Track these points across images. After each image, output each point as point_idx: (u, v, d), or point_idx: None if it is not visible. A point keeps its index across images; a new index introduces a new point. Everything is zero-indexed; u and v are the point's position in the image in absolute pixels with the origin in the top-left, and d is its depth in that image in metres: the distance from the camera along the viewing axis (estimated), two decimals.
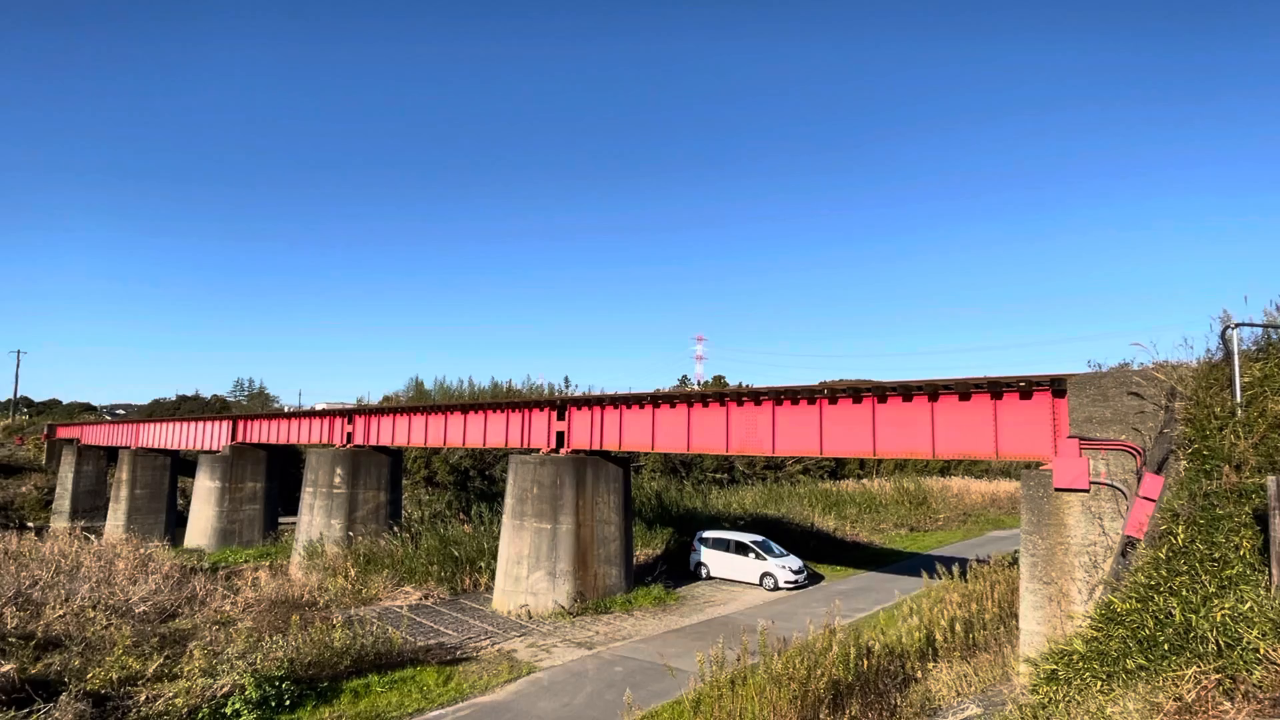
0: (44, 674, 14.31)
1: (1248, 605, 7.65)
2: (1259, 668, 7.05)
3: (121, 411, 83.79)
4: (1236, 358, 10.77)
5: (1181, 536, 9.15)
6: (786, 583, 27.38)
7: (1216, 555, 8.63)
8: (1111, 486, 12.76)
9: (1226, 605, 7.75)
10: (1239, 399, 10.54)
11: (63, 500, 50.58)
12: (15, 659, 14.31)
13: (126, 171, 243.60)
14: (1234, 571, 8.27)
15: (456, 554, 27.35)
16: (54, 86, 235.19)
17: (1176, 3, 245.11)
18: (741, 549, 28.85)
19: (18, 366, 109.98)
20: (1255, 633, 7.30)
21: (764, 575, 27.80)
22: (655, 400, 21.96)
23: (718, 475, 53.73)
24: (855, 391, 17.66)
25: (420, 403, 39.50)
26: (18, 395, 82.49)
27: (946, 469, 63.97)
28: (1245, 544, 8.48)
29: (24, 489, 54.11)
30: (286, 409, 47.17)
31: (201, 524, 38.47)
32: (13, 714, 12.21)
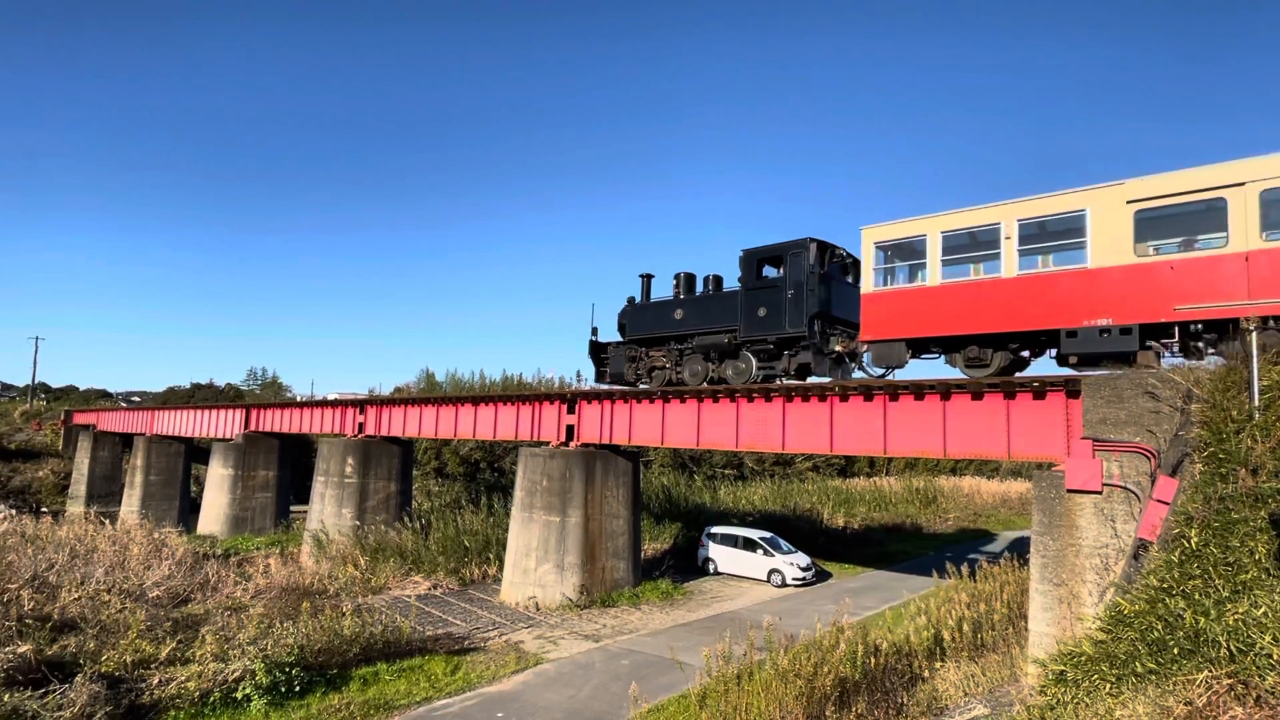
0: (60, 655, 14.52)
1: (1262, 610, 7.58)
2: (1272, 673, 6.98)
3: (137, 398, 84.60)
4: (1255, 360, 10.63)
5: (1195, 540, 9.07)
6: (794, 579, 27.36)
7: (1230, 559, 8.54)
8: (1124, 489, 12.66)
9: (1240, 610, 7.67)
10: (1257, 402, 10.41)
11: (79, 485, 51.22)
12: (32, 640, 14.52)
13: (143, 163, 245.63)
14: (1248, 576, 8.19)
15: (468, 544, 27.52)
16: (70, 76, 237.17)
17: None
18: (749, 545, 28.83)
19: (36, 353, 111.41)
20: (1269, 638, 7.23)
21: (772, 572, 27.77)
22: (665, 395, 21.94)
23: (726, 471, 53.71)
24: (866, 389, 17.57)
25: (431, 394, 39.66)
26: (35, 381, 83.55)
27: (957, 468, 63.69)
28: (1260, 549, 8.40)
29: (41, 474, 54.84)
30: (299, 398, 47.46)
31: (214, 511, 38.87)
32: (29, 694, 12.40)
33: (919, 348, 16.64)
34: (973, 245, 15.60)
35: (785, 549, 28.91)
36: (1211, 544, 8.86)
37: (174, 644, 15.60)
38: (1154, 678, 7.91)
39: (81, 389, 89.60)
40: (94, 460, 51.15)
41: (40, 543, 23.43)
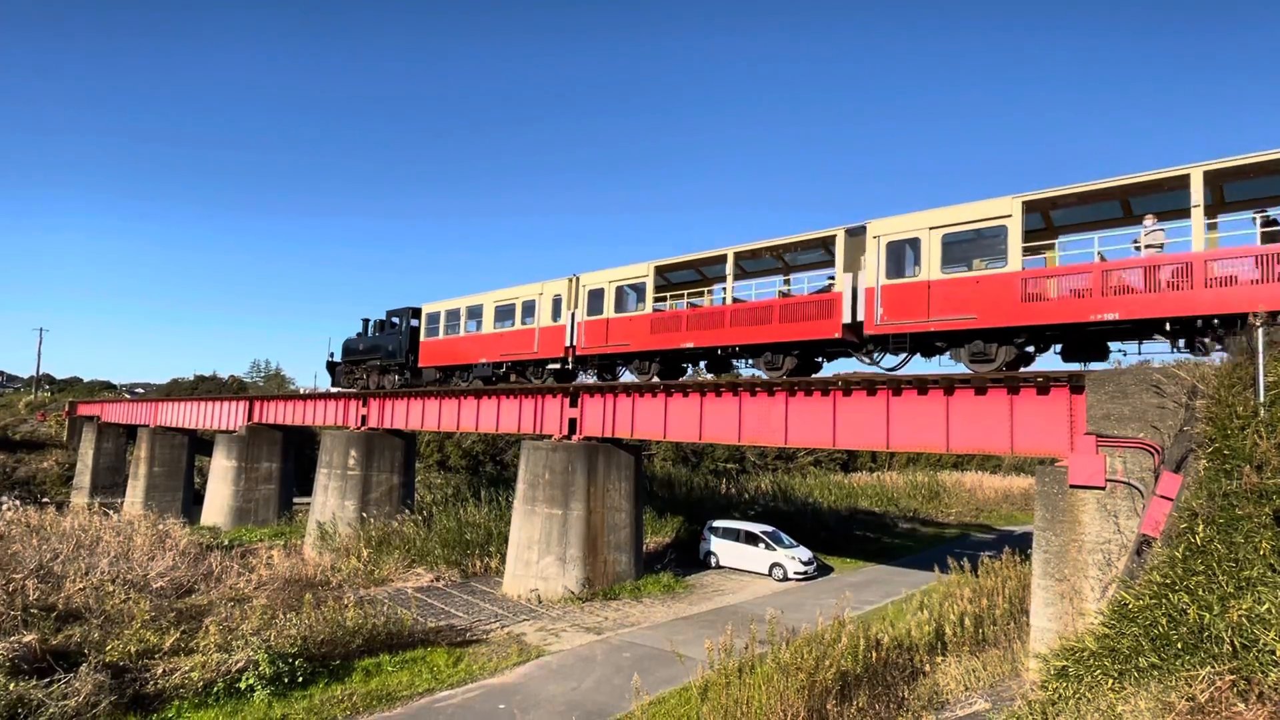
0: (64, 645, 14.60)
1: (1266, 606, 7.55)
2: (1275, 670, 6.96)
3: (141, 390, 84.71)
4: (1261, 356, 10.57)
5: (1199, 536, 9.03)
6: (796, 573, 27.39)
7: (1235, 556, 8.51)
8: (1128, 484, 12.63)
9: (1244, 606, 7.65)
10: (1263, 398, 10.35)
11: (83, 476, 51.37)
12: (37, 630, 14.59)
13: (148, 156, 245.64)
14: (1253, 572, 8.16)
15: (470, 537, 27.60)
16: (74, 70, 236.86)
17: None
18: (751, 539, 28.86)
19: (40, 344, 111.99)
20: (1272, 634, 7.21)
21: (773, 565, 27.81)
22: (668, 389, 21.92)
23: (729, 465, 53.78)
24: (870, 384, 17.54)
25: (434, 387, 39.63)
26: (40, 372, 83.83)
27: (959, 463, 63.62)
28: (1265, 545, 8.36)
29: (45, 464, 55.03)
30: (302, 390, 47.49)
31: (218, 502, 38.99)
32: (35, 683, 12.47)
33: (446, 371, 29.23)
34: (474, 316, 27.76)
35: (787, 543, 28.93)
36: (1216, 540, 8.83)
37: (178, 634, 15.67)
38: (1156, 673, 7.90)
39: (86, 380, 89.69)
40: (98, 451, 51.28)
41: (45, 533, 23.54)
